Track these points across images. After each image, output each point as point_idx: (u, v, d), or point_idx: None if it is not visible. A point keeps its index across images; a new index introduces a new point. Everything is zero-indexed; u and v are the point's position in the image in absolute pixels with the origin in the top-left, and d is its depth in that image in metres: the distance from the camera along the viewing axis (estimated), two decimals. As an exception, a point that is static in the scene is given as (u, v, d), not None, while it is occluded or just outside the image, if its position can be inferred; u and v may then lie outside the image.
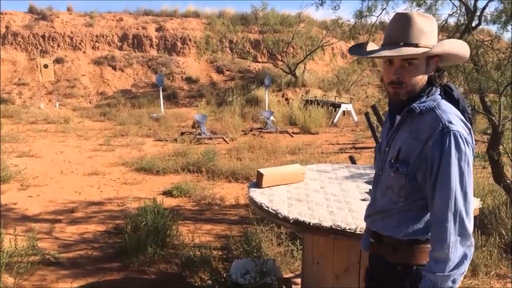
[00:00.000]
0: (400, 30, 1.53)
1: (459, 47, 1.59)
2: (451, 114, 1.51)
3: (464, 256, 1.46)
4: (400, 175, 1.56)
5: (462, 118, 1.53)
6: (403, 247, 1.62)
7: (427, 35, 1.52)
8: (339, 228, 2.18)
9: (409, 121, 1.58)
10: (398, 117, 1.64)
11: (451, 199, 1.45)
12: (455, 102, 1.58)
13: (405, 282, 1.61)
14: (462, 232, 1.46)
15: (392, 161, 1.60)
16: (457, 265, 1.45)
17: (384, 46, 1.56)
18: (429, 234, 1.56)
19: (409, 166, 1.54)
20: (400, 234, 1.61)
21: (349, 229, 2.17)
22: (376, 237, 1.72)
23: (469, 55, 1.62)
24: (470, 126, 1.54)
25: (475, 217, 1.88)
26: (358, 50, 1.67)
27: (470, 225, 1.47)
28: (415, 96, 1.56)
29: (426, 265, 1.51)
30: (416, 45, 1.50)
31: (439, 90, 1.60)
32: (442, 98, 1.58)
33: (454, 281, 1.46)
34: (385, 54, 1.53)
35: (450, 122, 1.47)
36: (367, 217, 1.80)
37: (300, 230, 2.86)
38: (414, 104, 1.55)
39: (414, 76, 1.54)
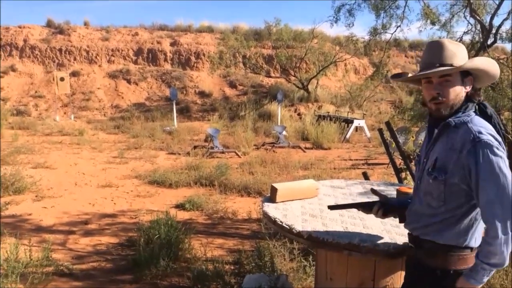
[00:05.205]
0: (434, 54, 1.75)
1: (488, 64, 1.77)
2: (481, 127, 1.67)
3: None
4: (439, 182, 1.73)
5: (493, 131, 1.68)
6: (441, 252, 1.76)
7: (458, 56, 1.73)
8: (353, 245, 2.17)
9: (445, 134, 1.77)
10: (436, 131, 1.82)
11: (499, 199, 1.58)
12: (488, 118, 1.74)
13: (444, 285, 1.75)
14: None
15: (430, 169, 1.77)
16: (503, 261, 1.60)
17: (422, 70, 1.77)
18: (467, 241, 1.73)
19: (447, 173, 1.70)
20: (440, 240, 1.75)
21: (363, 245, 2.16)
22: (417, 242, 1.87)
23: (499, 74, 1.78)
24: (501, 139, 1.68)
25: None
26: (399, 76, 1.93)
27: None
28: (453, 112, 1.75)
29: (480, 254, 1.65)
30: (450, 65, 1.71)
31: (474, 107, 1.77)
32: (476, 115, 1.74)
33: (489, 274, 1.63)
34: (425, 72, 1.74)
35: (480, 133, 1.64)
36: (407, 224, 1.95)
37: (314, 246, 2.84)
38: (450, 119, 1.74)
39: (451, 91, 1.74)
